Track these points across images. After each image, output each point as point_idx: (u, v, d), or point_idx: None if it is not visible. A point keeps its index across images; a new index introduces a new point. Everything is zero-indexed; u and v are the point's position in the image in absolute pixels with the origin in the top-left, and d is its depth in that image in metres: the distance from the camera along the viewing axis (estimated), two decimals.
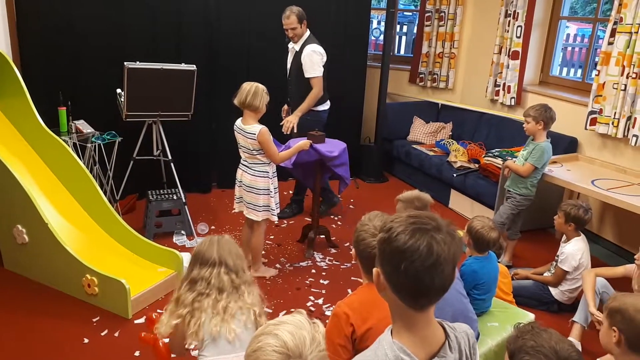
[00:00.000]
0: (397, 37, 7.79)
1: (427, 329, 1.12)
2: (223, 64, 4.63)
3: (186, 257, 3.47)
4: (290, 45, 4.09)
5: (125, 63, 3.53)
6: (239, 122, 3.20)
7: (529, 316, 2.56)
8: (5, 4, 3.63)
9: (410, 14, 8.89)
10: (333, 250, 3.86)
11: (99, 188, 3.44)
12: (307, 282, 3.42)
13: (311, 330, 1.12)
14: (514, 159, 3.71)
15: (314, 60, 3.94)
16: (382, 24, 5.83)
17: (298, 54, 3.99)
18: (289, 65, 4.16)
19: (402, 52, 8.15)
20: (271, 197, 3.26)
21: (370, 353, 1.14)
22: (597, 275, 2.83)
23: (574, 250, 3.09)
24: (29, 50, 3.83)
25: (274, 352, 1.07)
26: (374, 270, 1.13)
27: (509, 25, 4.76)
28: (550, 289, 3.17)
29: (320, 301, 3.21)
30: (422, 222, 1.07)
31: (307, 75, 3.97)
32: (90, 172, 3.60)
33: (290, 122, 3.94)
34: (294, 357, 1.07)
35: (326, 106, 4.21)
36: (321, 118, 4.17)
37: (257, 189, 3.23)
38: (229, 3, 4.54)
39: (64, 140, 3.50)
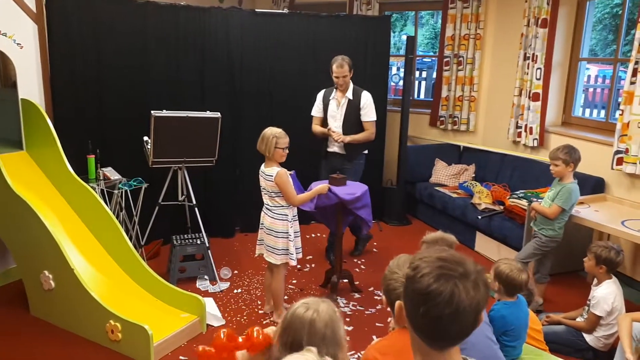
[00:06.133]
0: (417, 82, 7.90)
1: None
2: (247, 110, 4.75)
3: (209, 302, 3.46)
4: (333, 94, 4.18)
5: (152, 112, 3.64)
6: (262, 166, 3.26)
7: None
8: (40, 59, 3.82)
9: (429, 59, 9.02)
10: (357, 295, 3.80)
11: (124, 234, 3.49)
12: None
13: None
14: (540, 200, 3.65)
15: (372, 105, 4.19)
16: (401, 70, 5.92)
17: (353, 101, 4.15)
18: (340, 114, 4.18)
19: (421, 96, 8.24)
20: (290, 240, 3.25)
21: None
22: (634, 320, 2.71)
23: (605, 294, 2.98)
24: (61, 102, 3.99)
25: None
26: (397, 302, 1.13)
27: (528, 68, 4.79)
28: (585, 335, 3.05)
29: None
30: (449, 268, 1.04)
31: (367, 119, 4.16)
32: (117, 217, 3.66)
33: (342, 136, 4.08)
34: None
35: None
36: (365, 160, 4.36)
37: (276, 232, 3.23)
38: (251, 51, 4.69)
39: (92, 187, 3.60)
